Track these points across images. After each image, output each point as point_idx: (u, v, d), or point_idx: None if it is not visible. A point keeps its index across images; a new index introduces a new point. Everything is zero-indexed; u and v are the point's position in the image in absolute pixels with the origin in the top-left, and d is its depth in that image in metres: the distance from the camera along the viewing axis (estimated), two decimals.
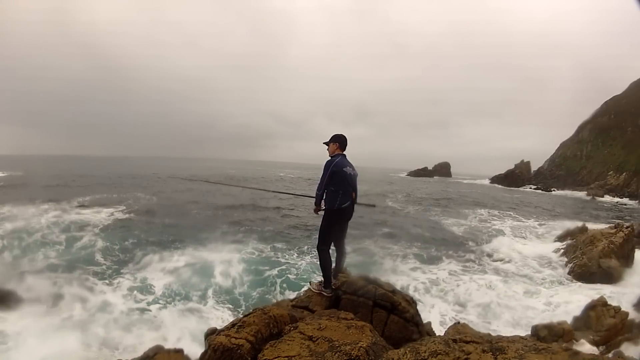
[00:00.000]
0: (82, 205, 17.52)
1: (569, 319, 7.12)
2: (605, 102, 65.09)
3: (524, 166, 67.71)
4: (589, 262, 10.68)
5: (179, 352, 5.10)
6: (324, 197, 4.26)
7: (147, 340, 6.27)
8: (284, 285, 9.35)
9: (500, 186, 59.78)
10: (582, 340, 6.34)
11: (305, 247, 12.21)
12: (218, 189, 26.45)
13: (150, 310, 7.67)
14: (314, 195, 4.32)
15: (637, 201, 40.36)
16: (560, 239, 14.86)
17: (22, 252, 10.52)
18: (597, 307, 7.17)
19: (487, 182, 66.90)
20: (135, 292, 8.43)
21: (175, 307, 7.88)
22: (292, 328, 3.32)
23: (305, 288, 5.41)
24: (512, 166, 67.83)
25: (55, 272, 9.11)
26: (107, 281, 8.98)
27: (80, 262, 10.06)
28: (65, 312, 7.23)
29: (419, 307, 4.86)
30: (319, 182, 4.26)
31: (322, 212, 4.31)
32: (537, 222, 20.18)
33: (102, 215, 15.80)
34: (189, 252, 11.03)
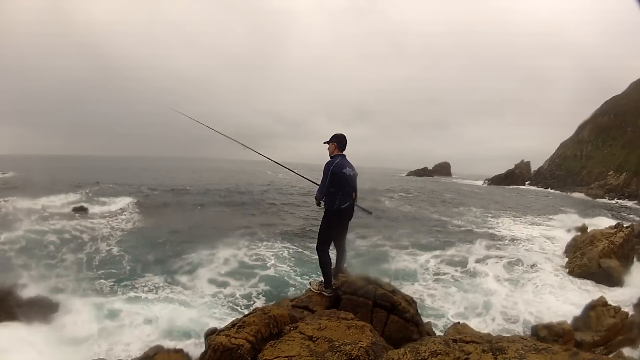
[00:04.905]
0: (91, 207, 17.35)
1: (569, 319, 7.11)
2: (605, 102, 64.93)
3: (524, 166, 67.72)
4: (589, 262, 10.66)
5: (179, 352, 5.10)
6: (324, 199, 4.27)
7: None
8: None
9: (499, 186, 59.66)
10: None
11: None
12: (229, 183, 25.72)
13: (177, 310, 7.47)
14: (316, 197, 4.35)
15: (637, 201, 40.30)
16: (560, 237, 14.86)
17: (40, 259, 9.81)
18: (597, 307, 7.16)
19: (485, 182, 66.62)
20: (160, 292, 8.34)
21: (205, 306, 7.77)
22: (292, 328, 3.32)
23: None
24: (512, 166, 67.85)
25: (64, 276, 8.83)
26: (127, 286, 8.61)
27: (100, 267, 9.70)
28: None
29: (418, 307, 4.86)
30: (319, 184, 4.27)
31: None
32: (536, 222, 20.17)
33: (116, 217, 15.70)
34: (222, 252, 10.82)
